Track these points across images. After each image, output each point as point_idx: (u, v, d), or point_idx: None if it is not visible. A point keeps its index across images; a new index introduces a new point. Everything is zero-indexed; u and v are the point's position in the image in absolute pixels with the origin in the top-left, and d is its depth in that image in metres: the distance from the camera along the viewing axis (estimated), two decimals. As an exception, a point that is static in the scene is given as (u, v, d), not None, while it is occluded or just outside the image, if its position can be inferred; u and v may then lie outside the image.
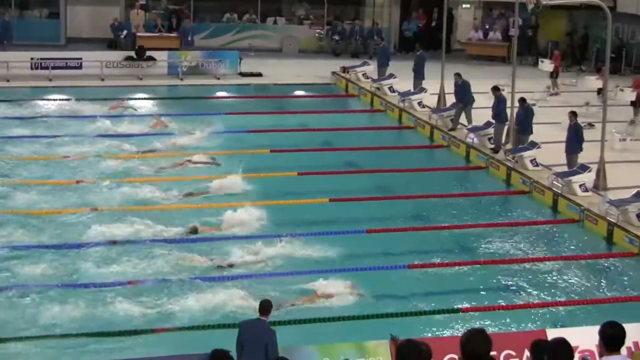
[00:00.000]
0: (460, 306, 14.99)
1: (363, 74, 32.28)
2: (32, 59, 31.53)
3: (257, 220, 18.22)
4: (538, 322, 14.46)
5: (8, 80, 30.74)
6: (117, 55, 33.00)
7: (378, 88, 30.51)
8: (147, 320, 14.12)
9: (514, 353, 12.01)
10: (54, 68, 31.39)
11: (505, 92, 24.46)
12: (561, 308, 15.32)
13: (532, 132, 22.93)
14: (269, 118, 27.96)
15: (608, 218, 18.58)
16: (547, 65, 31.62)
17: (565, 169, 21.05)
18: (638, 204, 18.38)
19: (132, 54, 32.84)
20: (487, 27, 38.52)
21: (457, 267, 16.70)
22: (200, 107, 28.73)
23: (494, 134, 23.73)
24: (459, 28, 39.70)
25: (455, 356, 10.89)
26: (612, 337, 7.20)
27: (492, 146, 23.64)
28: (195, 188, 20.23)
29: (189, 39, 35.24)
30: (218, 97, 31.07)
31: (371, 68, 32.31)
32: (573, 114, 21.70)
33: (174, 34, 35.90)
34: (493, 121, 23.82)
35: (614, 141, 24.07)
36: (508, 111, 23.60)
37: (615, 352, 7.18)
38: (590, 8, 33.38)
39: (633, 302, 15.49)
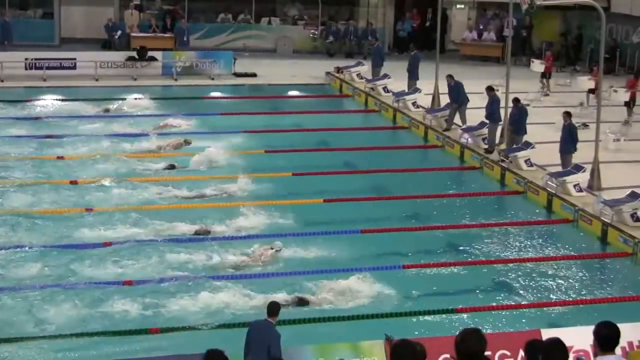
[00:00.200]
0: (455, 306, 14.99)
1: (357, 74, 32.28)
2: (26, 59, 31.51)
3: (252, 221, 18.20)
4: (533, 322, 14.46)
5: (2, 81, 30.73)
6: (113, 56, 32.95)
7: (372, 88, 30.50)
8: (146, 321, 14.08)
9: (508, 353, 12.01)
10: (48, 68, 31.35)
11: (500, 93, 24.46)
12: (556, 308, 15.33)
13: (526, 132, 22.94)
14: (263, 118, 27.96)
15: (602, 218, 18.59)
16: (537, 65, 31.54)
17: (559, 169, 21.07)
18: (632, 204, 18.41)
19: (134, 54, 32.76)
20: (481, 27, 38.55)
21: (451, 267, 16.72)
22: (195, 107, 28.68)
23: (488, 134, 23.76)
24: (453, 28, 39.72)
25: (450, 356, 10.91)
26: (606, 337, 7.23)
27: (487, 146, 23.66)
28: (189, 187, 20.30)
29: (184, 39, 35.22)
30: (212, 98, 31.04)
31: (365, 68, 32.31)
32: (567, 114, 21.72)
33: (168, 34, 35.88)
34: (487, 121, 23.86)
35: (608, 141, 24.11)
36: (502, 111, 23.63)
37: (609, 352, 7.20)
38: (584, 8, 33.49)
39: (627, 302, 15.50)
